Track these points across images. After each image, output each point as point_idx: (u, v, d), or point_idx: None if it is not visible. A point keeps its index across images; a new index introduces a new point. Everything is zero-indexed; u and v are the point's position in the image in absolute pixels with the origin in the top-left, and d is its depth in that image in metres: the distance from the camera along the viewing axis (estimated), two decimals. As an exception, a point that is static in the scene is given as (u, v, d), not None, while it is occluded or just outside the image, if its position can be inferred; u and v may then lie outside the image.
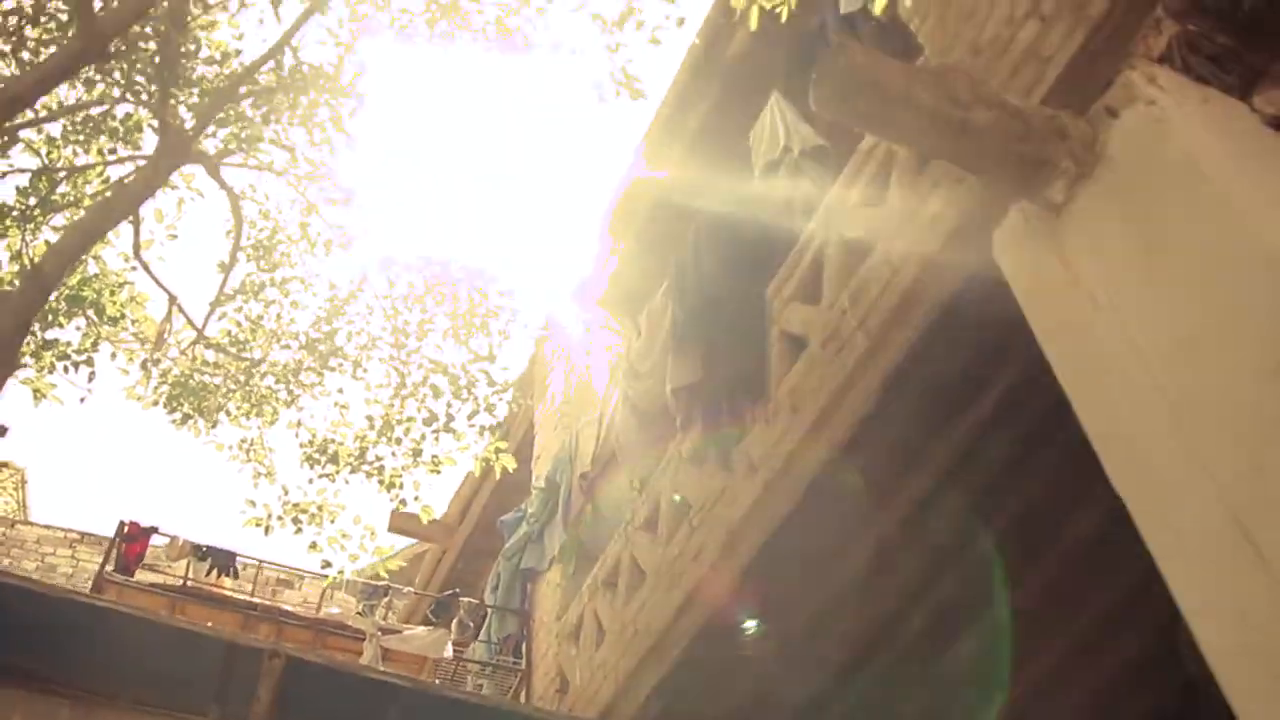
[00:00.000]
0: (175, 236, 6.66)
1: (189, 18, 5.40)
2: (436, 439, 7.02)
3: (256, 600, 9.70)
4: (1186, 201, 3.36)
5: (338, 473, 7.23)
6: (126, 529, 8.99)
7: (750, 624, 5.73)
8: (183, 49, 5.31)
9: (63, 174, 5.94)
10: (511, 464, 7.44)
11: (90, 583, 18.66)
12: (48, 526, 19.85)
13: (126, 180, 5.61)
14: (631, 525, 7.17)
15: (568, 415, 9.81)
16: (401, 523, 8.01)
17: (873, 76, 3.62)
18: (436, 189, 7.18)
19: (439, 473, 7.27)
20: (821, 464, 5.16)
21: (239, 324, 6.87)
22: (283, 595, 18.04)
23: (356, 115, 6.17)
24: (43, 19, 5.77)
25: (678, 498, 6.30)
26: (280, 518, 7.47)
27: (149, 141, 6.40)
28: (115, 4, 4.92)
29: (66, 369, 6.48)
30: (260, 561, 9.86)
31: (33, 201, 5.88)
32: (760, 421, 5.83)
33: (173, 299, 6.59)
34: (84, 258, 6.22)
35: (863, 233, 5.51)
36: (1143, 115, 3.63)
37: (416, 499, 7.48)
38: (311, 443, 7.25)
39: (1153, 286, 3.38)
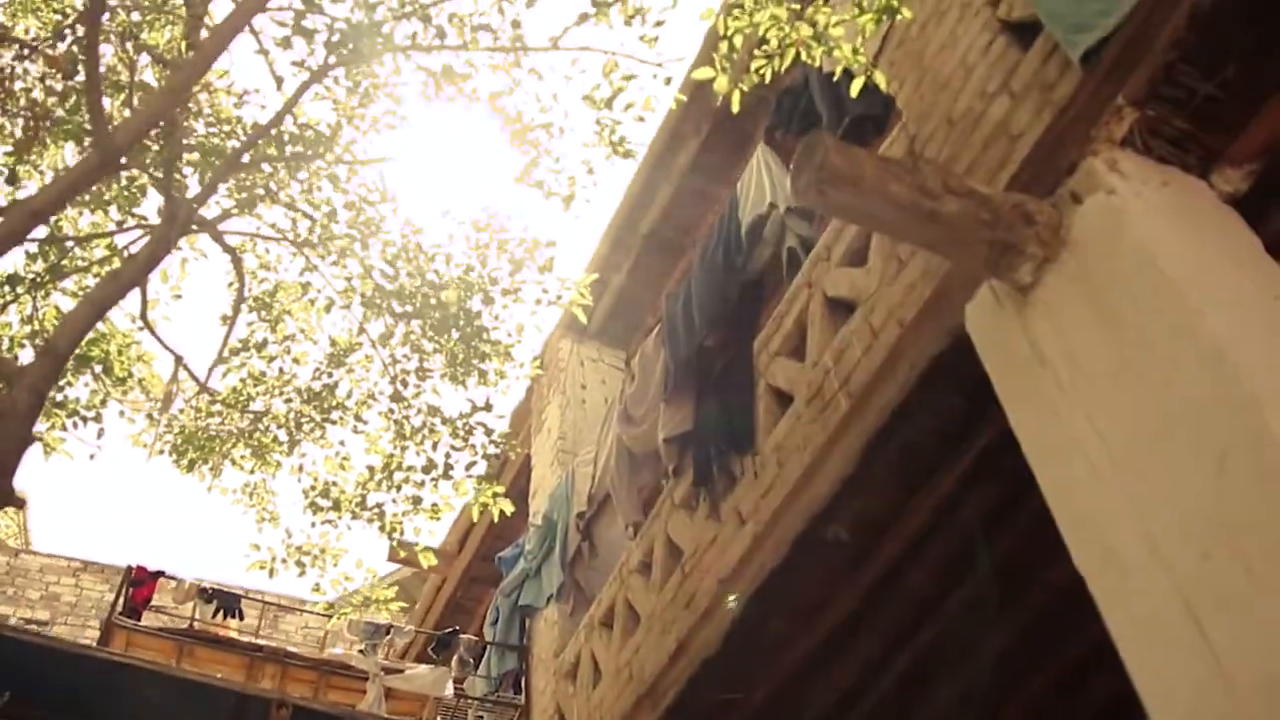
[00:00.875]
0: (180, 296, 6.85)
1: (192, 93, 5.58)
2: (435, 486, 7.18)
3: (261, 641, 9.87)
4: (1142, 292, 3.54)
5: (339, 518, 7.39)
6: (134, 573, 9.17)
7: (739, 671, 5.88)
8: (185, 121, 5.50)
9: (70, 242, 6.10)
10: (509, 508, 7.60)
11: (93, 609, 18.85)
12: (51, 555, 19.99)
13: (133, 249, 5.77)
14: (626, 568, 7.33)
15: (564, 451, 9.98)
16: (402, 551, 8.16)
17: (847, 171, 3.79)
18: (432, 234, 7.31)
19: (438, 519, 7.44)
20: (807, 520, 5.32)
21: (242, 380, 7.04)
22: (285, 620, 18.23)
23: (354, 178, 6.35)
24: (57, 122, 6.00)
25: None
26: (284, 560, 7.63)
27: (152, 200, 6.59)
28: (129, 113, 5.11)
29: (76, 424, 6.67)
30: (264, 600, 10.01)
31: (41, 266, 6.05)
32: (749, 474, 6.00)
33: (179, 360, 6.75)
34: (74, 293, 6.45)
35: (846, 292, 5.69)
36: (1103, 205, 3.81)
37: (417, 545, 7.64)
38: (314, 488, 7.41)
39: (1112, 373, 3.55)
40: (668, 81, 6.20)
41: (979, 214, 3.94)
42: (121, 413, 7.08)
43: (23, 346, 6.10)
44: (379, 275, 6.80)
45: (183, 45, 5.40)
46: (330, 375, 7.15)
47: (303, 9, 5.24)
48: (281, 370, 7.03)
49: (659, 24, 5.76)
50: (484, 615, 13.58)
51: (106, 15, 5.48)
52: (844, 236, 5.82)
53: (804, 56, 4.99)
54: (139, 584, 9.16)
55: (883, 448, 5.03)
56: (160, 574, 9.38)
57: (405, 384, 7.10)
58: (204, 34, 5.87)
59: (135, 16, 5.80)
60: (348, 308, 6.79)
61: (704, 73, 5.03)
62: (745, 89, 5.07)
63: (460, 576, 13.45)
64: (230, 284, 6.67)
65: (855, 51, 4.82)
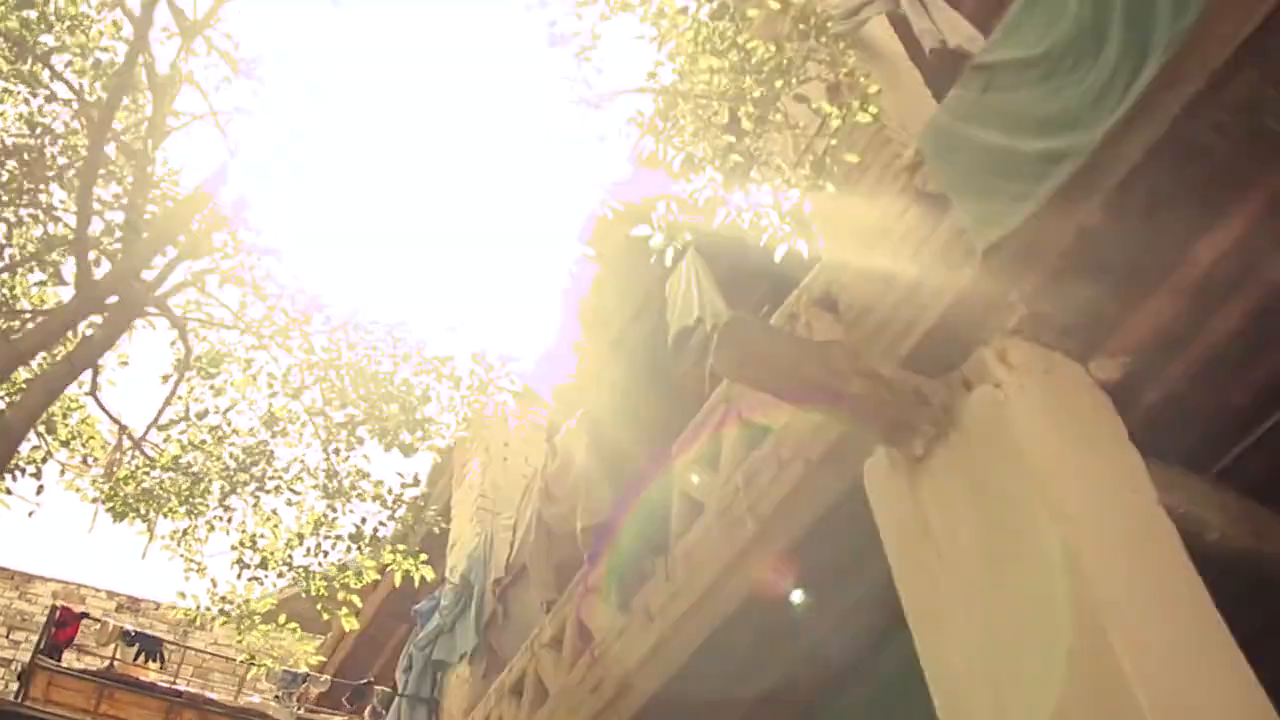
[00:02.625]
0: (126, 363, 7.04)
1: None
2: (361, 552, 7.42)
3: (181, 687, 10.00)
4: (1014, 489, 3.97)
5: (265, 575, 7.60)
6: (59, 614, 9.28)
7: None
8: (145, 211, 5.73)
9: (27, 317, 6.26)
10: (430, 574, 7.88)
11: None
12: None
13: (87, 333, 5.97)
14: (539, 641, 7.64)
15: (484, 509, 10.26)
16: (325, 614, 8.38)
17: (764, 351, 4.19)
18: (377, 311, 7.54)
19: (362, 584, 7.67)
20: (709, 631, 5.70)
21: (182, 446, 7.23)
22: (194, 635, 18.17)
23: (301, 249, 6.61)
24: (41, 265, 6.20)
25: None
26: (209, 609, 7.81)
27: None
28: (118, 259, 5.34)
29: (15, 477, 6.81)
30: (185, 645, 10.17)
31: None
32: (660, 574, 6.35)
33: (123, 429, 6.94)
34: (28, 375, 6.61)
35: (759, 418, 6.08)
36: (989, 398, 4.24)
37: (342, 611, 7.86)
38: (241, 542, 7.60)
39: (984, 558, 3.97)
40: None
41: (881, 394, 4.36)
42: (62, 471, 7.24)
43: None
44: (321, 350, 7.06)
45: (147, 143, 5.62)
46: (266, 442, 7.36)
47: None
48: (220, 437, 7.24)
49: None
50: (395, 647, 13.81)
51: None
52: (762, 362, 6.20)
53: (735, 216, 5.37)
54: (63, 625, 9.27)
55: (784, 574, 5.43)
56: (84, 615, 9.49)
57: (338, 451, 7.35)
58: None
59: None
60: (289, 385, 7.01)
61: (641, 230, 5.39)
62: (679, 246, 5.46)
63: (374, 613, 13.62)
64: (176, 356, 6.86)
65: (783, 218, 5.21)
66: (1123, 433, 4.47)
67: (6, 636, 17.71)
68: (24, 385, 6.10)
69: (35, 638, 17.77)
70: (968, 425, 4.31)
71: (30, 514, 7.46)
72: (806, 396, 4.34)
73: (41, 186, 5.91)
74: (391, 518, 7.43)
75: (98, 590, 17.97)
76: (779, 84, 4.94)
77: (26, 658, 17.23)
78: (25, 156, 5.61)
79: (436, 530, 8.19)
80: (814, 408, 4.55)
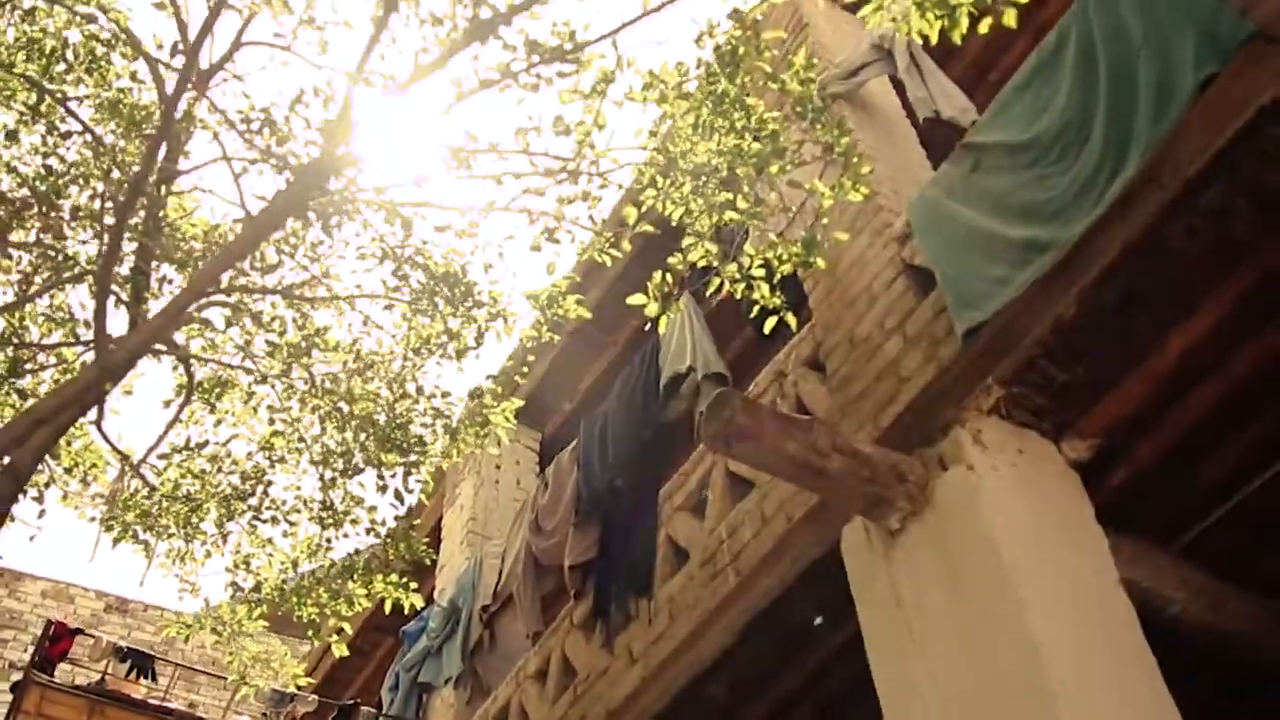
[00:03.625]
0: (130, 393, 7.19)
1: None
2: (354, 582, 7.58)
3: (171, 705, 10.16)
4: (983, 572, 4.15)
5: (259, 601, 7.75)
6: (53, 629, 9.43)
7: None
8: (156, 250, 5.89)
9: (33, 350, 6.39)
10: (419, 602, 8.04)
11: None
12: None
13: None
14: (524, 673, 7.80)
15: (474, 533, 10.42)
16: (316, 639, 8.53)
17: (750, 429, 4.36)
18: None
19: (354, 611, 7.83)
20: (689, 677, 5.87)
21: (181, 474, 7.37)
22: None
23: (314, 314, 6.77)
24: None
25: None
26: (201, 627, 7.96)
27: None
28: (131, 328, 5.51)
29: (18, 499, 6.91)
30: (178, 662, 10.34)
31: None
32: (644, 617, 6.52)
33: (125, 459, 7.09)
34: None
35: (745, 471, 6.26)
36: (962, 479, 4.42)
37: (333, 638, 8.02)
38: (236, 565, 7.75)
39: (952, 637, 4.15)
40: (609, 243, 6.67)
41: (860, 471, 4.53)
42: (64, 497, 7.39)
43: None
44: (321, 378, 7.21)
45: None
46: (264, 471, 7.51)
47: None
48: (220, 467, 7.40)
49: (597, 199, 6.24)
50: (379, 659, 13.94)
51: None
52: (750, 416, 6.38)
53: (728, 287, 5.56)
54: (57, 640, 9.42)
55: (763, 628, 5.60)
56: (79, 631, 9.64)
57: (334, 482, 7.51)
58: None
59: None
60: (289, 417, 7.17)
61: (637, 299, 5.57)
62: (669, 316, 5.64)
63: (360, 625, 13.76)
64: (178, 382, 7.00)
65: (773, 291, 5.39)
66: (1089, 514, 4.65)
67: (-4, 634, 17.85)
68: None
69: (23, 636, 17.97)
70: (941, 505, 4.48)
71: (31, 538, 7.64)
72: (788, 471, 4.51)
73: (55, 232, 6.06)
74: (384, 548, 7.59)
75: (87, 590, 18.10)
76: (774, 169, 5.11)
77: (15, 656, 17.42)
78: (42, 207, 5.76)
79: (428, 561, 8.35)
80: (795, 482, 4.72)
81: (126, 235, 5.61)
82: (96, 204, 6.06)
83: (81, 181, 6.02)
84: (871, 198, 6.03)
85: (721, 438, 4.40)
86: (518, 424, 11.86)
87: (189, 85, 5.49)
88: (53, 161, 5.93)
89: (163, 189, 5.66)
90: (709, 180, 5.74)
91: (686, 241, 6.16)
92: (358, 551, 7.79)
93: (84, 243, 6.18)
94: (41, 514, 7.06)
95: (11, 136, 6.16)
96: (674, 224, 6.25)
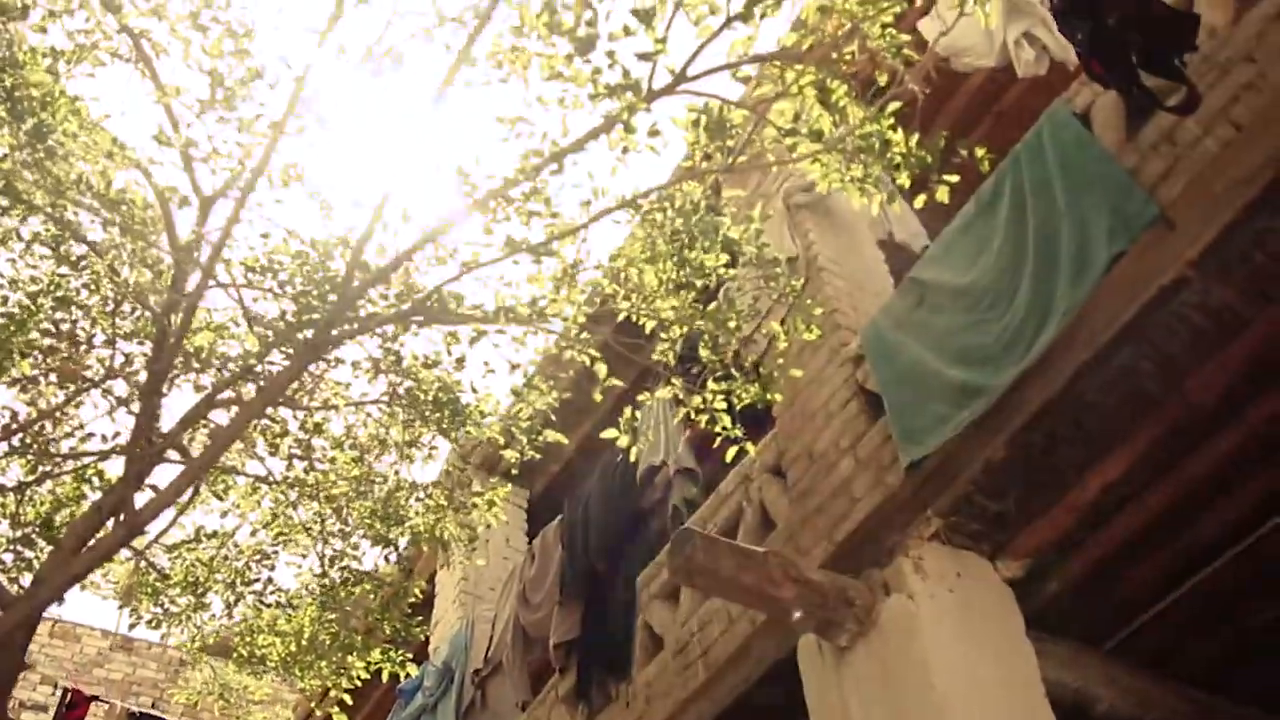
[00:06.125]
0: (141, 490, 7.54)
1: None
2: (354, 658, 7.95)
3: (180, 766, 10.58)
4: (919, 690, 4.56)
5: (265, 672, 8.14)
6: (70, 696, 9.81)
7: None
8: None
9: (56, 455, 6.77)
10: (414, 671, 8.44)
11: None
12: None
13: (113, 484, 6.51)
14: (512, 740, 8.20)
15: (465, 592, 10.79)
16: (317, 710, 8.93)
17: (709, 565, 4.78)
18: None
19: (355, 687, 8.21)
20: (663, 763, 6.28)
21: (191, 564, 7.76)
22: (185, 673, 18.68)
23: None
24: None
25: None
26: (209, 695, 8.35)
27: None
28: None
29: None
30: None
31: (22, 472, 6.71)
32: (621, 700, 6.93)
33: (138, 554, 7.46)
34: (62, 497, 7.16)
35: (715, 567, 6.66)
36: (903, 608, 4.83)
37: (334, 710, 8.41)
38: (241, 638, 8.13)
39: (891, 756, 4.57)
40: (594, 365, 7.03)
41: (811, 597, 4.95)
42: (83, 588, 7.77)
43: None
44: (320, 463, 7.62)
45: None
46: (268, 555, 7.90)
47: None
48: (226, 555, 7.79)
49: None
50: (367, 713, 14.25)
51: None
52: (719, 513, 6.81)
53: (694, 417, 5.98)
54: (74, 707, 9.80)
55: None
56: (94, 698, 10.03)
57: (333, 563, 7.91)
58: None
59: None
60: (288, 500, 7.55)
61: (610, 433, 6.00)
62: (639, 446, 6.06)
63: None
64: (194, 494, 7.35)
65: (733, 422, 5.81)
66: (1019, 628, 5.07)
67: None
68: (60, 531, 6.70)
69: (31, 676, 18.31)
70: (885, 627, 4.90)
71: (54, 625, 8.01)
72: (745, 599, 4.94)
73: (74, 374, 6.45)
74: (380, 620, 7.96)
75: (93, 629, 18.42)
76: (731, 324, 5.55)
77: (24, 695, 17.74)
78: (59, 343, 6.16)
79: (423, 638, 8.75)
80: (753, 607, 5.14)
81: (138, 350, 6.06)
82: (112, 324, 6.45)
83: (100, 318, 6.40)
84: (830, 314, 6.46)
85: (684, 572, 4.82)
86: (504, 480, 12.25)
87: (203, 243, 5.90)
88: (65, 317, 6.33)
89: (172, 319, 6.06)
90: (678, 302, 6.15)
91: (661, 347, 6.58)
92: (353, 623, 8.17)
93: (99, 360, 6.56)
94: (61, 602, 7.43)
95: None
96: (646, 331, 6.66)
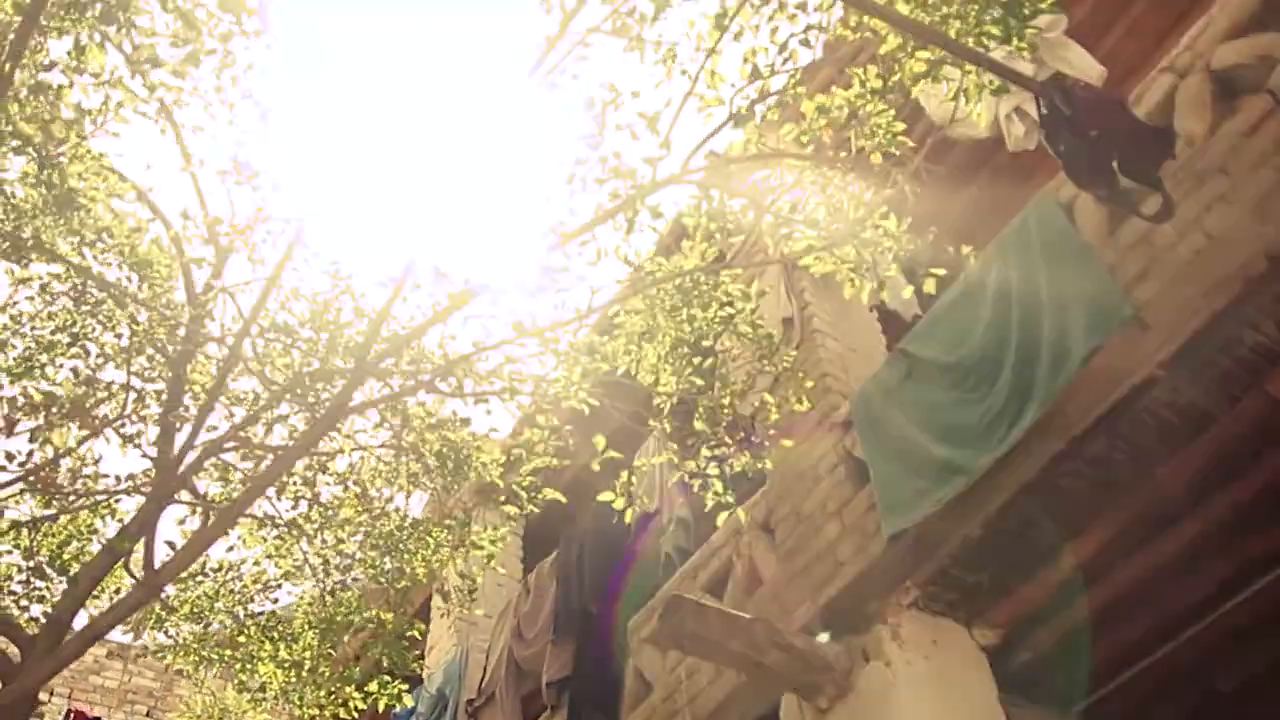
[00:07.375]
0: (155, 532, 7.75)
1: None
2: (351, 689, 8.13)
3: (179, 786, 10.76)
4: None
5: (264, 700, 8.33)
6: (73, 716, 10.01)
7: None
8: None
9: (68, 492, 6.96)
10: (410, 701, 8.62)
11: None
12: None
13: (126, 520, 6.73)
14: (503, 771, 8.40)
15: (460, 619, 10.97)
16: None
17: (698, 631, 5.00)
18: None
19: (350, 715, 8.39)
20: (647, 807, 6.48)
21: (197, 598, 7.95)
22: (179, 683, 18.84)
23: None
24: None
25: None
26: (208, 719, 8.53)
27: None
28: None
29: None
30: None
31: (35, 507, 6.90)
32: (610, 742, 7.14)
33: (146, 586, 7.62)
34: (70, 532, 7.35)
35: (703, 618, 6.87)
36: (880, 674, 5.05)
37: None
38: (242, 666, 8.31)
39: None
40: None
41: (793, 662, 5.17)
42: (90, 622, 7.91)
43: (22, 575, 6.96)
44: (326, 496, 7.82)
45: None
46: (269, 580, 8.10)
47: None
48: (231, 589, 7.99)
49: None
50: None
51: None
52: (709, 565, 7.01)
53: (688, 479, 6.20)
54: (77, 726, 10.02)
55: (714, 768, 6.22)
56: (97, 719, 10.25)
57: (333, 594, 8.10)
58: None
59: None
60: (292, 536, 7.75)
61: (606, 495, 6.22)
62: (639, 508, 6.28)
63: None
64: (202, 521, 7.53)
65: (725, 489, 6.02)
66: (992, 694, 5.29)
67: None
68: (70, 563, 6.90)
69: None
70: (863, 692, 5.12)
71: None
72: (732, 663, 5.16)
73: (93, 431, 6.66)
74: (382, 654, 8.15)
75: (91, 635, 18.59)
76: (725, 400, 5.77)
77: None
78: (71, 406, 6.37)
79: (419, 671, 8.94)
80: (738, 670, 5.36)
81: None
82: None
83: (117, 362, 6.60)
84: (822, 378, 6.68)
85: (674, 638, 5.04)
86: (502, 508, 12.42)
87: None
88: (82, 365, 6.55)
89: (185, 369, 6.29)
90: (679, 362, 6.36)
91: (656, 401, 6.79)
92: (357, 659, 8.35)
93: (111, 396, 6.76)
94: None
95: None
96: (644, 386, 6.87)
